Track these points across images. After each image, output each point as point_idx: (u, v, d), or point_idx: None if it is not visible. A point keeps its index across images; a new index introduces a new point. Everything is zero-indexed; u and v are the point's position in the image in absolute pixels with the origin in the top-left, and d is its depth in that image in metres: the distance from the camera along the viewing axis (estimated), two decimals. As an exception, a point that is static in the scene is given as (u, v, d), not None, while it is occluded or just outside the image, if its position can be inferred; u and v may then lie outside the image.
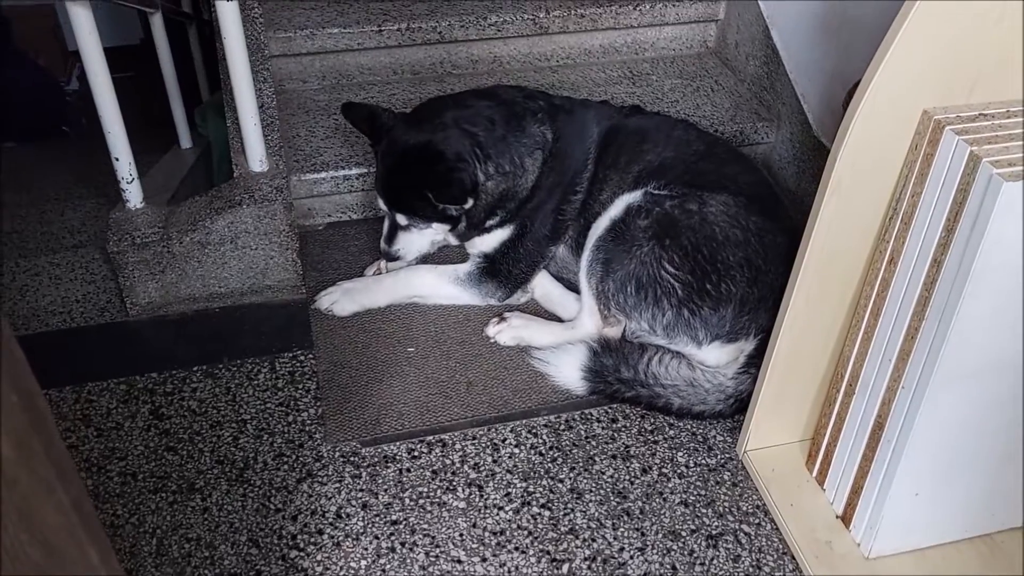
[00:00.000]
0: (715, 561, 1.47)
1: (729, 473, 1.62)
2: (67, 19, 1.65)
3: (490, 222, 1.86)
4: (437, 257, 2.03)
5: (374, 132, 1.81)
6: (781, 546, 1.50)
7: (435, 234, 1.86)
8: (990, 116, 1.19)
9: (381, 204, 1.83)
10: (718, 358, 1.71)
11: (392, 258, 1.88)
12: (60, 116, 4.24)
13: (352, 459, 1.61)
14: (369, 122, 1.81)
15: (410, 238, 1.85)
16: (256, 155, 1.88)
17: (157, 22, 2.68)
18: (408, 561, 1.45)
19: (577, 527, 1.52)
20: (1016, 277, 1.16)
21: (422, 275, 1.94)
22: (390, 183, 1.79)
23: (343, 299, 1.91)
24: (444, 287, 1.93)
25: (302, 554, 1.45)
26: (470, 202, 1.76)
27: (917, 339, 1.26)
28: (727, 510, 1.56)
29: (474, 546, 1.48)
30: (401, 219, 1.82)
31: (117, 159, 1.78)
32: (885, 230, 1.31)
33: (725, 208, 1.70)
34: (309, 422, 1.68)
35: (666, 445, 1.67)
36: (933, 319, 1.23)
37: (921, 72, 1.18)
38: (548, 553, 1.47)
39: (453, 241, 1.93)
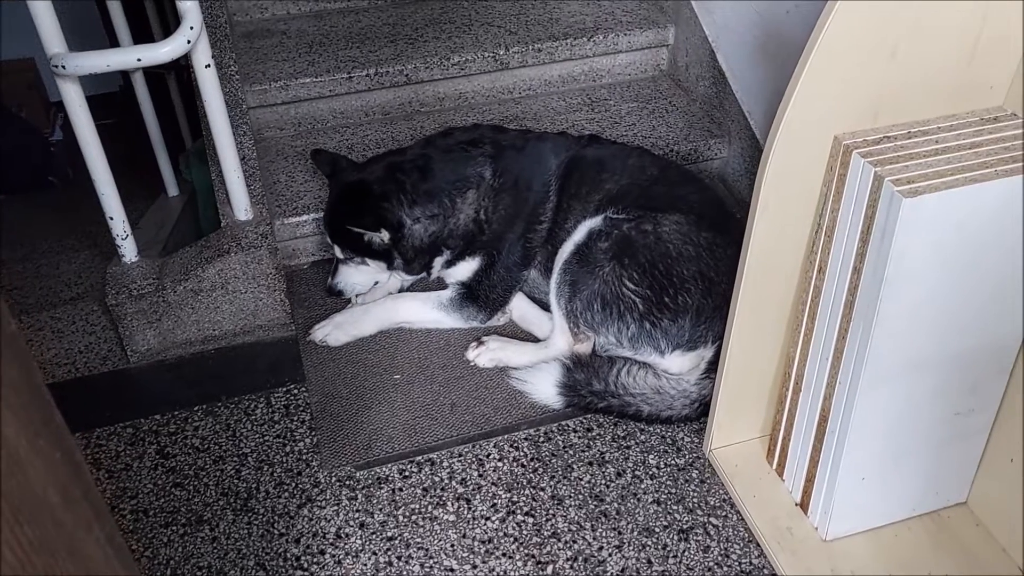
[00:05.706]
0: (687, 553, 1.61)
1: (697, 471, 1.76)
2: (48, 72, 1.76)
3: (440, 258, 2.03)
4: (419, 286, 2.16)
5: (332, 174, 2.06)
6: (747, 535, 1.64)
7: (373, 272, 2.04)
8: (893, 138, 1.33)
9: (327, 237, 2.05)
10: (680, 366, 1.84)
11: (333, 292, 2.08)
12: (46, 167, 4.34)
13: (348, 483, 1.74)
14: (331, 165, 2.05)
15: (348, 272, 2.05)
16: (241, 205, 2.01)
17: (138, 75, 2.81)
18: (405, 573, 1.57)
19: (559, 531, 1.64)
20: (923, 282, 1.30)
21: (406, 302, 2.08)
22: (329, 214, 2.04)
23: (335, 331, 2.05)
24: (428, 312, 2.07)
25: (307, 574, 1.57)
26: (385, 235, 1.93)
27: (847, 339, 1.40)
28: (696, 505, 1.69)
29: (465, 555, 1.60)
30: (338, 251, 2.03)
31: (111, 218, 1.91)
32: (813, 243, 1.45)
33: (678, 227, 1.84)
34: (306, 451, 1.80)
35: (638, 449, 1.80)
36: (858, 321, 1.37)
37: (830, 102, 1.32)
38: (533, 556, 1.60)
39: (403, 277, 2.09)
